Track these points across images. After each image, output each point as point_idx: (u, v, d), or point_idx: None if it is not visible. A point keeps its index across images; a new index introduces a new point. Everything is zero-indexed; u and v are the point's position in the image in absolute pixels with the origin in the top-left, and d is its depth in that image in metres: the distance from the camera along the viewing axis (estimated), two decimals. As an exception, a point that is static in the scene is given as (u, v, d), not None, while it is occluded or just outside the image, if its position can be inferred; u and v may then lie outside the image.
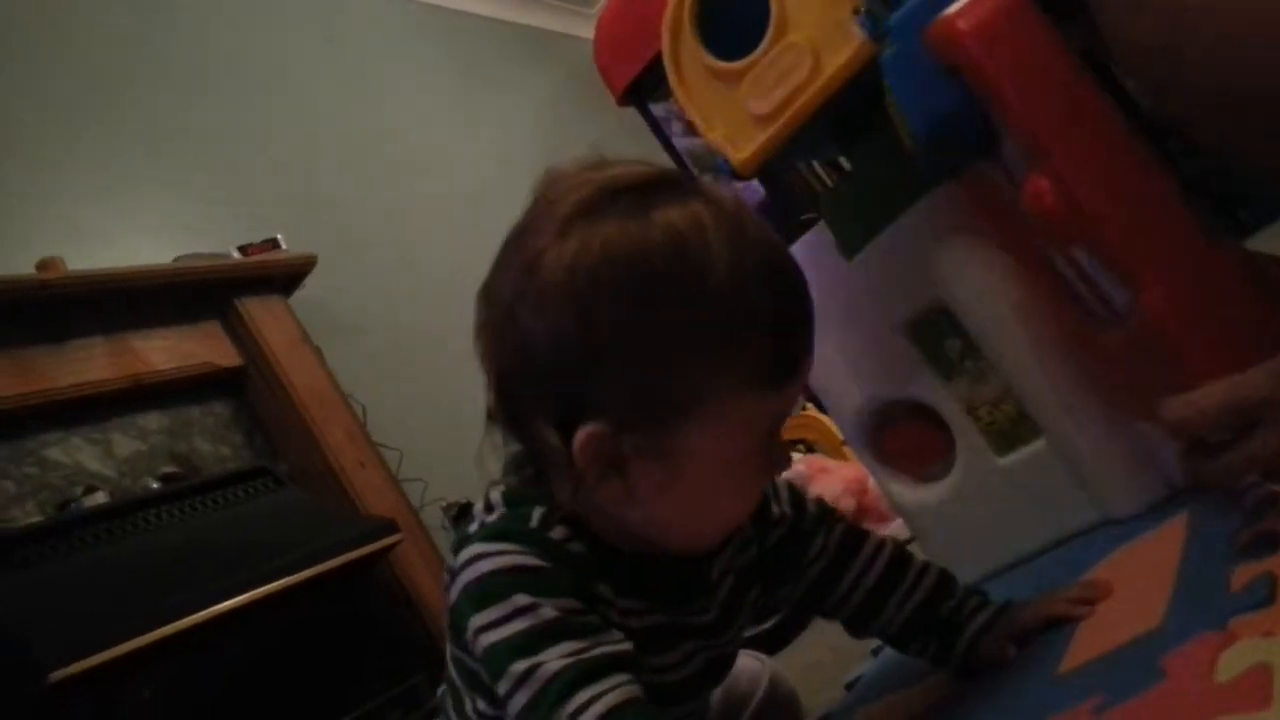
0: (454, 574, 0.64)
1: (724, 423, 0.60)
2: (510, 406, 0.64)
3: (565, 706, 0.56)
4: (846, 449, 1.81)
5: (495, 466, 0.69)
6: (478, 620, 0.61)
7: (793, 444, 1.91)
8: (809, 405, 2.21)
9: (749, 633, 0.81)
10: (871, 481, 1.49)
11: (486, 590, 0.61)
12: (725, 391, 0.59)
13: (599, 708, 0.56)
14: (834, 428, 1.87)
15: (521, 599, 0.60)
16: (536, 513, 0.65)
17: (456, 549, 0.65)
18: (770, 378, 0.61)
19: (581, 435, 0.59)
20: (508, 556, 0.62)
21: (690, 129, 0.94)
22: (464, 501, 2.36)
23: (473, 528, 0.66)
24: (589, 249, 0.58)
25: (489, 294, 0.64)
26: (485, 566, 0.62)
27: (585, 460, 0.60)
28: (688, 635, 0.70)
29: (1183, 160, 0.76)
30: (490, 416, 0.67)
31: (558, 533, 0.64)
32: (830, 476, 1.55)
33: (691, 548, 0.68)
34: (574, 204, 0.60)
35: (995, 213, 0.81)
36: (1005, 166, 0.77)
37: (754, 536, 0.76)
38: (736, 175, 0.86)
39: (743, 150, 0.85)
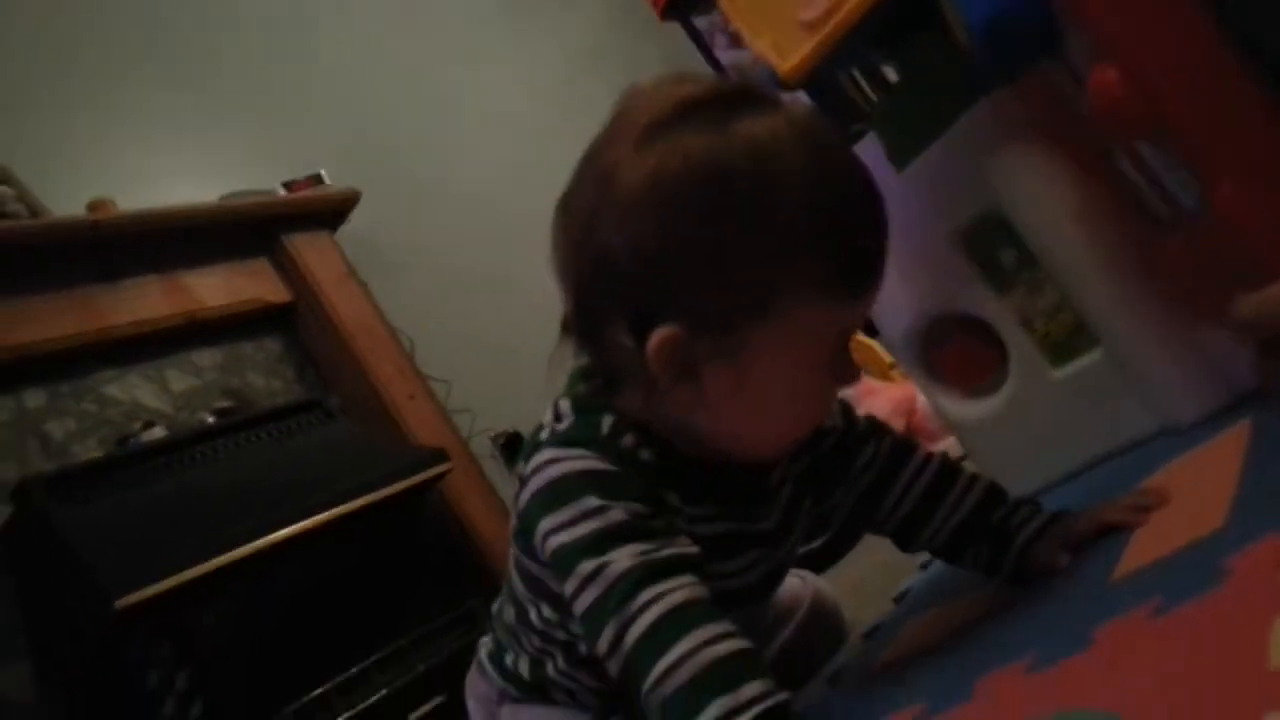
0: (524, 480, 0.66)
1: (796, 330, 0.61)
2: (587, 315, 0.66)
3: (632, 603, 0.57)
4: (894, 372, 1.79)
5: (563, 376, 0.71)
6: (547, 523, 0.62)
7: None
8: (856, 330, 2.18)
9: (801, 550, 0.82)
10: (920, 401, 1.48)
11: (556, 493, 0.63)
12: (799, 298, 0.61)
13: (664, 605, 0.57)
14: (881, 351, 1.85)
15: (591, 501, 0.61)
16: (607, 420, 0.66)
17: (528, 456, 0.67)
18: (844, 286, 0.62)
19: (656, 338, 0.61)
20: (578, 461, 0.63)
21: (734, 41, 0.91)
22: (512, 431, 2.38)
23: (543, 435, 0.67)
24: (669, 160, 0.60)
25: (567, 207, 0.65)
26: (555, 471, 0.63)
27: (660, 363, 0.62)
28: (750, 543, 0.72)
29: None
30: (565, 327, 0.69)
31: (628, 440, 0.66)
32: (878, 397, 1.54)
33: (757, 455, 0.70)
34: (652, 117, 0.61)
35: (1054, 116, 0.78)
36: (1069, 64, 0.74)
37: (806, 446, 0.76)
38: (783, 85, 0.84)
39: (789, 59, 0.82)
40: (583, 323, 0.67)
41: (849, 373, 0.66)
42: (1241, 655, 0.40)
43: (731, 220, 0.59)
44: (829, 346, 0.64)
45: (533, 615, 0.74)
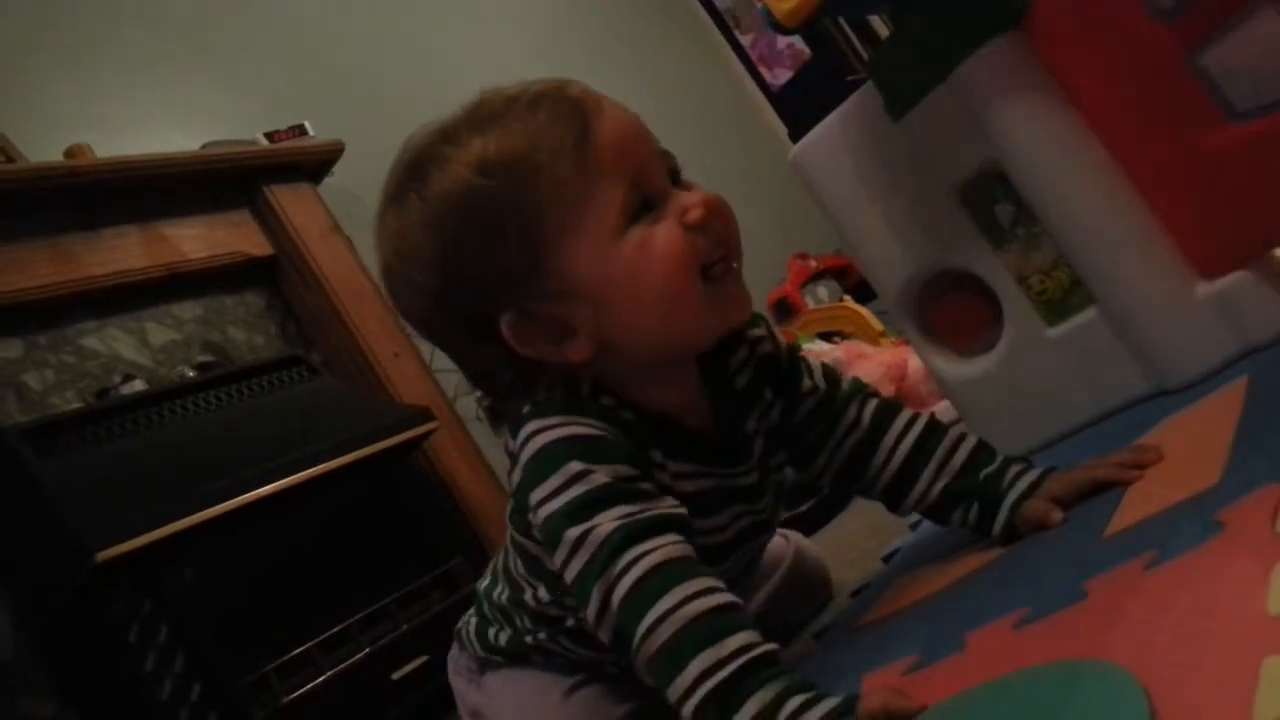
0: (514, 455, 0.67)
1: (578, 224, 0.64)
2: (458, 357, 0.71)
3: (615, 565, 0.58)
4: (884, 339, 1.79)
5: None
6: (536, 494, 0.63)
7: (829, 335, 1.89)
8: (846, 297, 2.19)
9: (786, 515, 0.82)
10: (911, 366, 1.47)
11: (541, 463, 0.63)
12: (556, 209, 0.64)
13: (647, 563, 0.57)
14: (871, 318, 1.85)
15: (575, 466, 0.61)
16: (585, 385, 0.67)
17: (514, 431, 0.67)
18: (573, 159, 0.64)
19: (506, 332, 0.65)
20: (563, 428, 0.64)
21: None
22: (498, 393, 2.36)
23: (526, 409, 0.67)
24: (383, 237, 0.69)
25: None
26: (541, 440, 0.64)
27: (526, 342, 0.65)
28: (733, 498, 0.73)
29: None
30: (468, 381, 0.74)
31: (608, 400, 0.67)
32: (869, 361, 1.53)
33: (690, 338, 0.69)
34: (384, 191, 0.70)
35: (1069, 51, 0.75)
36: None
37: (776, 399, 0.77)
38: (781, 29, 0.82)
39: (787, 2, 0.81)
40: (463, 365, 0.71)
41: (686, 209, 0.65)
42: (1239, 602, 0.39)
43: (459, 217, 0.65)
44: (614, 206, 0.64)
45: (528, 595, 0.75)
